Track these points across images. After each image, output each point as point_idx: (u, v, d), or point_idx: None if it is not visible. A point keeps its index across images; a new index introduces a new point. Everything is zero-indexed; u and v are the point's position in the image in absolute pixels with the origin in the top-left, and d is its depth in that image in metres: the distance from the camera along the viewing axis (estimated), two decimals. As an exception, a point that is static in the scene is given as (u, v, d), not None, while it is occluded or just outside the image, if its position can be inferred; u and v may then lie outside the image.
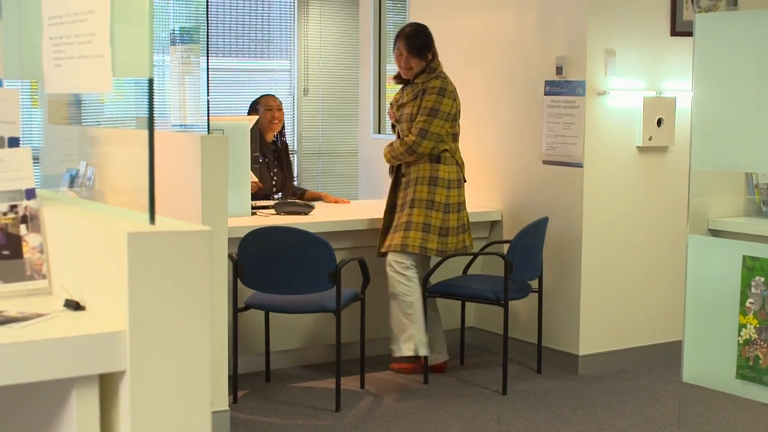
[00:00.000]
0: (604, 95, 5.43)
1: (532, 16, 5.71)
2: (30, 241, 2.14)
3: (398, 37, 5.32)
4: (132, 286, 1.80)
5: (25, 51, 2.58)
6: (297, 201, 5.73)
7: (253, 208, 5.44)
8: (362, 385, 5.16)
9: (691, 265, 3.41)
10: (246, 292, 4.99)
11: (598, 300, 5.53)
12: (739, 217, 5.22)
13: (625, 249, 5.60)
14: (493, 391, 5.16)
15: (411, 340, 5.16)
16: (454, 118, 5.24)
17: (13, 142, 2.18)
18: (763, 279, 3.19)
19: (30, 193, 2.16)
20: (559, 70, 5.50)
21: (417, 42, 5.26)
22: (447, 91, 5.21)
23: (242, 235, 4.82)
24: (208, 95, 4.45)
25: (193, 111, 4.66)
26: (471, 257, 5.67)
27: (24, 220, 2.14)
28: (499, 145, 5.94)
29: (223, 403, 4.42)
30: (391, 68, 6.72)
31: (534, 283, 5.45)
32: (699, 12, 5.41)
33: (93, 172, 3.09)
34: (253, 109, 6.12)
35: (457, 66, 5.89)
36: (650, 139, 5.53)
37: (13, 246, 2.12)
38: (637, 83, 5.53)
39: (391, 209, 5.31)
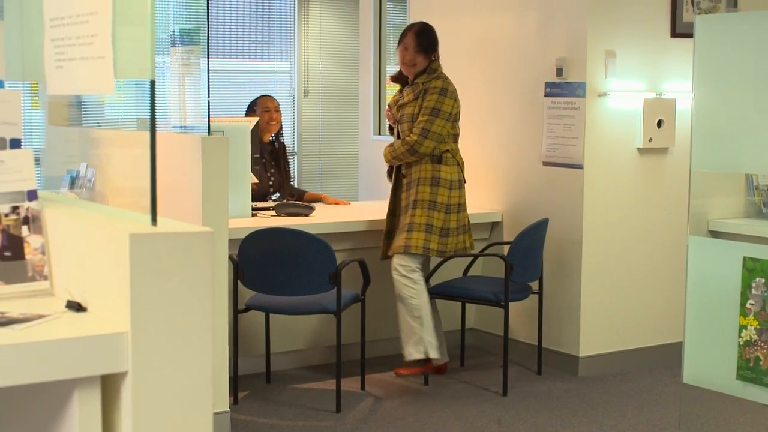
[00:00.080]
0: (604, 97, 5.43)
1: (532, 18, 5.71)
2: (32, 242, 2.14)
3: (406, 32, 5.30)
4: (134, 287, 1.80)
5: (26, 52, 2.58)
6: (297, 202, 5.73)
7: (253, 209, 5.44)
8: (363, 387, 5.16)
9: (691, 266, 3.42)
10: (246, 294, 4.99)
11: (598, 301, 5.53)
12: (739, 219, 5.23)
13: (626, 250, 5.60)
14: (493, 393, 5.16)
15: (420, 343, 5.13)
16: (455, 118, 5.24)
17: (15, 144, 2.18)
18: (763, 280, 3.19)
19: (32, 195, 2.16)
20: (559, 72, 5.50)
21: (425, 40, 5.25)
22: (449, 91, 5.20)
23: (243, 237, 4.82)
24: (208, 96, 4.45)
25: (193, 112, 4.65)
26: (471, 258, 5.67)
27: (26, 221, 2.14)
28: (500, 146, 5.95)
29: (224, 404, 4.41)
30: (392, 69, 6.73)
31: (534, 285, 5.45)
32: (699, 13, 5.42)
33: (93, 174, 3.09)
34: (250, 110, 6.10)
35: (458, 67, 5.89)
36: (650, 140, 5.53)
37: (15, 247, 2.12)
38: (638, 85, 5.53)
39: (393, 212, 5.30)
